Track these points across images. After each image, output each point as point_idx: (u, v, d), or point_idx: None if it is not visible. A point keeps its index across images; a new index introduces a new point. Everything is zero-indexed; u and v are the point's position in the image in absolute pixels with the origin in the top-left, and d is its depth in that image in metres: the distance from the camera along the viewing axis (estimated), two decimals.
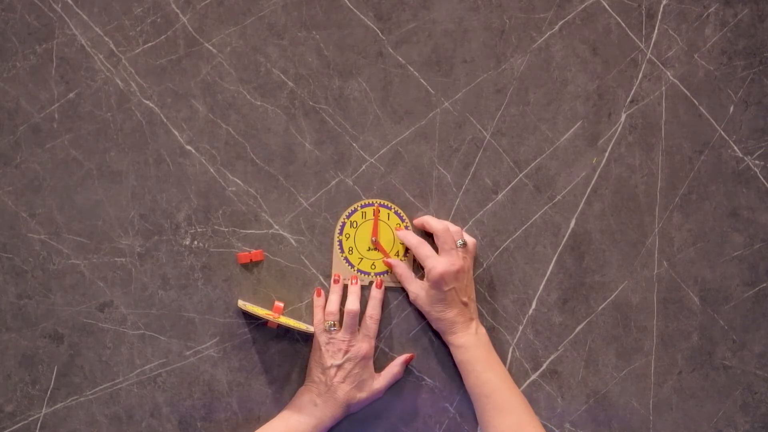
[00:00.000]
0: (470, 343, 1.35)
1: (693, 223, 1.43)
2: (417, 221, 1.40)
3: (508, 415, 1.30)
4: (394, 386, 1.40)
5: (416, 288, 1.38)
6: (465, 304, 1.36)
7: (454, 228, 1.38)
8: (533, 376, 1.42)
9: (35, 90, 1.37)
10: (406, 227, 1.41)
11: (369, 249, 1.41)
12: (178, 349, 1.38)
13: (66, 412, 1.37)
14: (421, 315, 1.40)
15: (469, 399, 1.38)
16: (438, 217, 1.41)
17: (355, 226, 1.40)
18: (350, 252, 1.40)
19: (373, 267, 1.41)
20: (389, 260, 1.40)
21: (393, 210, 1.41)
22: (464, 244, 1.36)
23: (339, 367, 1.34)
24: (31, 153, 1.37)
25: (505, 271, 1.42)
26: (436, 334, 1.40)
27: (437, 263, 1.35)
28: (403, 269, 1.39)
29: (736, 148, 1.43)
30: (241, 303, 1.37)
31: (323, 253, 1.40)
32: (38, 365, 1.37)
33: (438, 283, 1.35)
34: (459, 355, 1.36)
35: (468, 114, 1.41)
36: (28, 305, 1.37)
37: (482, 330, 1.37)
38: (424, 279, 1.37)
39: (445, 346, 1.40)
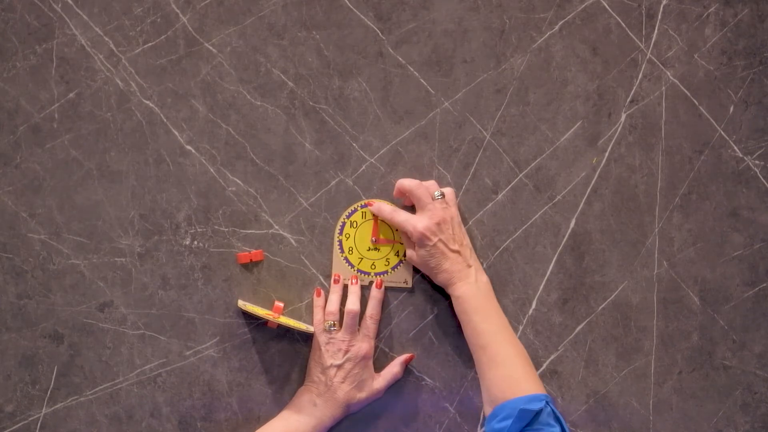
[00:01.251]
0: (468, 293, 1.34)
1: (693, 223, 1.43)
2: (395, 190, 1.39)
3: (501, 367, 1.29)
4: (394, 386, 1.40)
5: (409, 252, 1.38)
6: (457, 252, 1.35)
7: (428, 183, 1.37)
8: None
9: (35, 90, 1.37)
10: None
11: (369, 249, 1.41)
12: (178, 349, 1.38)
13: (66, 412, 1.37)
14: (421, 315, 1.40)
15: (469, 398, 1.38)
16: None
17: (355, 226, 1.40)
18: (350, 252, 1.40)
19: (373, 267, 1.41)
20: (371, 202, 1.39)
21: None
22: (442, 195, 1.36)
23: (339, 367, 1.34)
24: (31, 153, 1.37)
25: (505, 271, 1.42)
26: (436, 334, 1.40)
27: (416, 222, 1.35)
28: (388, 211, 1.38)
29: (736, 148, 1.43)
30: (241, 303, 1.37)
31: (323, 253, 1.40)
32: (38, 365, 1.37)
33: (422, 241, 1.35)
34: (457, 306, 1.35)
35: (468, 114, 1.41)
36: (28, 305, 1.37)
37: (483, 277, 1.36)
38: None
39: (445, 346, 1.40)
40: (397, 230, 1.41)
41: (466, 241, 1.37)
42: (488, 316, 1.33)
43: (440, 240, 1.34)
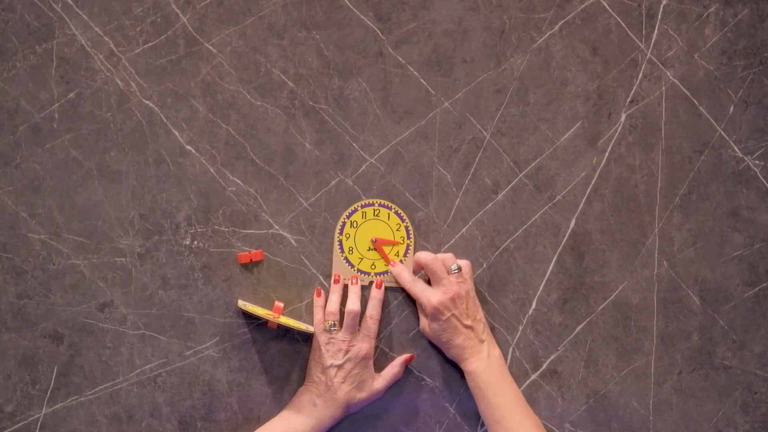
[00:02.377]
0: (480, 369, 1.35)
1: (693, 223, 1.43)
2: (413, 264, 1.40)
3: None
4: (394, 386, 1.40)
5: (422, 322, 1.39)
6: (470, 328, 1.36)
7: (445, 256, 1.38)
8: (533, 376, 1.42)
9: (35, 90, 1.37)
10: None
11: (369, 249, 1.41)
12: (178, 349, 1.38)
13: (66, 412, 1.37)
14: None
15: (469, 398, 1.38)
16: (438, 217, 1.41)
17: (355, 226, 1.40)
18: (350, 252, 1.40)
19: (373, 267, 1.41)
20: (395, 268, 1.40)
21: (393, 210, 1.41)
22: (458, 269, 1.36)
23: (339, 367, 1.34)
24: (31, 153, 1.37)
25: (505, 271, 1.42)
26: None
27: (431, 295, 1.36)
28: (408, 279, 1.39)
29: (736, 148, 1.43)
30: (241, 303, 1.37)
31: (323, 253, 1.40)
32: (38, 365, 1.37)
33: (435, 315, 1.35)
34: (470, 381, 1.36)
35: (468, 114, 1.41)
36: (28, 305, 1.37)
37: (496, 352, 1.37)
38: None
39: None
40: (397, 231, 1.41)
41: (480, 315, 1.37)
42: (502, 390, 1.34)
43: (453, 315, 1.35)
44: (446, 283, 1.36)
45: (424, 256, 1.38)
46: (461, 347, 1.36)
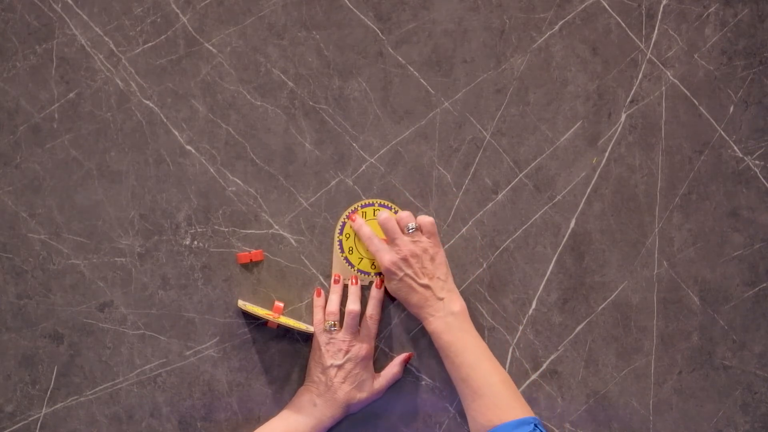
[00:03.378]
0: (439, 329, 1.33)
1: (693, 223, 1.43)
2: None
3: (484, 396, 1.28)
4: (394, 386, 1.40)
5: (385, 281, 1.38)
6: (426, 287, 1.34)
7: (402, 214, 1.37)
8: (533, 376, 1.42)
9: (35, 90, 1.37)
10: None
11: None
12: (178, 349, 1.38)
13: (66, 412, 1.37)
14: None
15: None
16: (438, 217, 1.41)
17: None
18: (350, 252, 1.40)
19: (373, 267, 1.41)
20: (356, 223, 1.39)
21: (393, 210, 1.41)
22: (414, 228, 1.36)
23: (339, 367, 1.34)
24: (31, 153, 1.37)
25: (505, 271, 1.42)
26: None
27: (384, 255, 1.35)
28: (366, 235, 1.38)
29: (736, 148, 1.43)
30: (241, 303, 1.37)
31: (323, 253, 1.40)
32: (38, 365, 1.37)
33: (388, 275, 1.35)
34: (434, 342, 1.35)
35: (468, 114, 1.41)
36: (28, 305, 1.37)
37: (456, 307, 1.34)
38: None
39: None
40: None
41: (439, 273, 1.35)
42: (464, 348, 1.32)
43: (406, 275, 1.34)
44: (399, 242, 1.35)
45: (380, 214, 1.37)
46: (417, 306, 1.35)
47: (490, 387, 1.28)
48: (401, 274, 1.34)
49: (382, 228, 1.37)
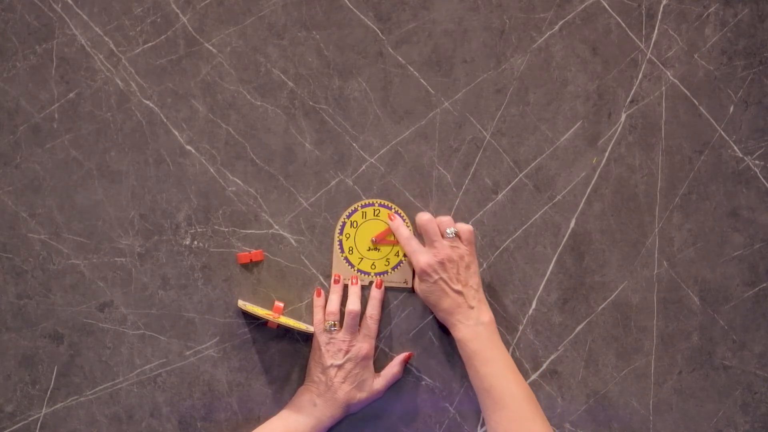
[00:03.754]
0: (467, 336, 1.33)
1: (693, 223, 1.43)
2: (417, 225, 1.40)
3: (506, 409, 1.28)
4: (394, 386, 1.40)
5: (415, 282, 1.38)
6: (459, 293, 1.34)
7: (443, 218, 1.37)
8: (533, 376, 1.42)
9: (35, 90, 1.37)
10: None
11: (369, 249, 1.41)
12: (178, 349, 1.38)
13: (66, 412, 1.37)
14: (421, 315, 1.40)
15: (469, 398, 1.38)
16: (438, 216, 1.41)
17: (355, 226, 1.40)
18: (350, 252, 1.40)
19: (373, 267, 1.41)
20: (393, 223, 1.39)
21: (393, 210, 1.41)
22: (455, 234, 1.36)
23: (339, 367, 1.34)
24: (31, 153, 1.37)
25: (505, 271, 1.42)
26: (436, 334, 1.41)
27: (420, 256, 1.35)
28: (405, 236, 1.38)
29: (736, 148, 1.43)
30: (241, 303, 1.37)
31: (323, 253, 1.40)
32: (38, 365, 1.37)
33: (422, 276, 1.35)
34: (460, 349, 1.35)
35: (468, 114, 1.41)
36: (28, 305, 1.37)
37: (486, 317, 1.34)
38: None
39: (444, 346, 1.40)
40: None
41: (473, 282, 1.36)
42: (490, 358, 1.32)
43: (441, 278, 1.34)
44: (438, 245, 1.35)
45: (421, 216, 1.37)
46: (448, 311, 1.35)
47: (513, 399, 1.28)
48: (436, 276, 1.34)
49: (422, 230, 1.37)
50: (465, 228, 1.37)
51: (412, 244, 1.37)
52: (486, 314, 1.35)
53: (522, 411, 1.28)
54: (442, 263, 1.34)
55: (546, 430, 1.26)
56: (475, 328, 1.34)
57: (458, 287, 1.34)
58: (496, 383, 1.30)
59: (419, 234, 1.39)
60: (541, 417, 1.29)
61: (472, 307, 1.35)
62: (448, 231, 1.36)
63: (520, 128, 1.42)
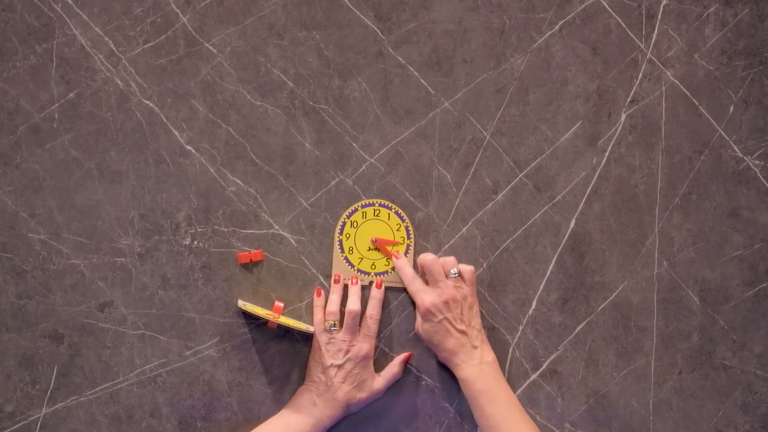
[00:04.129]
0: (472, 376, 1.34)
1: (693, 223, 1.43)
2: (419, 267, 1.39)
3: None
4: (394, 386, 1.40)
5: (418, 321, 1.38)
6: (463, 333, 1.35)
7: (447, 259, 1.37)
8: (533, 376, 1.42)
9: (35, 90, 1.37)
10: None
11: (369, 249, 1.41)
12: (178, 349, 1.38)
13: (66, 412, 1.37)
14: None
15: None
16: (438, 217, 1.41)
17: (355, 225, 1.40)
18: (350, 252, 1.40)
19: (373, 267, 1.41)
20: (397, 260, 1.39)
21: (393, 210, 1.41)
22: (458, 273, 1.36)
23: (339, 367, 1.34)
24: (31, 153, 1.37)
25: (505, 271, 1.42)
26: None
27: (425, 296, 1.35)
28: (409, 276, 1.39)
29: (736, 148, 1.43)
30: (241, 303, 1.37)
31: (323, 253, 1.40)
32: (38, 365, 1.37)
33: (427, 316, 1.35)
34: (463, 388, 1.35)
35: (468, 114, 1.41)
36: (28, 305, 1.37)
37: (489, 357, 1.36)
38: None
39: None
40: (397, 231, 1.41)
41: (475, 322, 1.36)
42: (495, 398, 1.32)
43: (445, 318, 1.34)
44: (442, 285, 1.36)
45: (425, 257, 1.38)
46: (452, 352, 1.35)
47: None
48: (440, 317, 1.35)
49: (426, 270, 1.37)
50: (467, 269, 1.38)
51: (416, 284, 1.37)
52: (489, 354, 1.36)
53: None
54: (446, 303, 1.35)
55: None
56: (480, 367, 1.34)
57: (462, 327, 1.35)
58: (502, 423, 1.31)
59: (422, 273, 1.39)
60: None
61: (475, 347, 1.35)
62: (452, 271, 1.36)
63: (520, 128, 1.42)
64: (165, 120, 1.38)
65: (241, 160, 1.39)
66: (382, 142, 1.41)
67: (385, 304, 1.40)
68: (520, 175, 1.42)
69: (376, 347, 1.40)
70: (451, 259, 1.38)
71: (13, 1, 1.36)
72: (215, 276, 1.39)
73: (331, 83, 1.40)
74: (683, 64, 1.43)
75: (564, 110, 1.42)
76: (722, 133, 1.43)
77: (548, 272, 1.42)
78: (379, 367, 1.39)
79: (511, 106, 1.42)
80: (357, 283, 1.39)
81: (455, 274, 1.36)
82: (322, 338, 1.36)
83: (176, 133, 1.38)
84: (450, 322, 1.35)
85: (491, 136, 1.42)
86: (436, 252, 1.40)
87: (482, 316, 1.41)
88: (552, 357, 1.42)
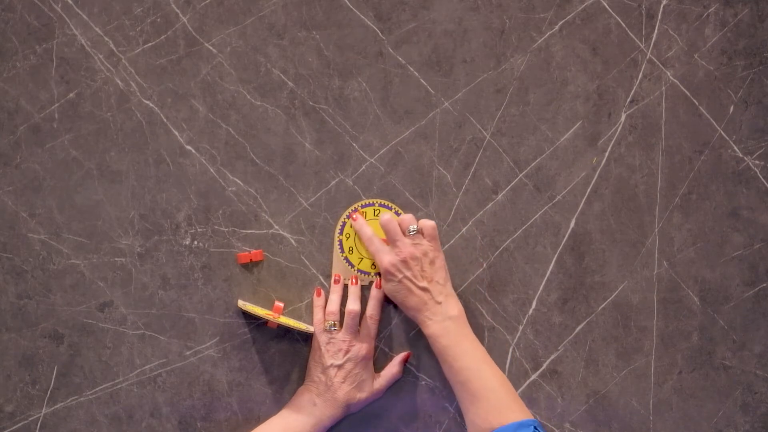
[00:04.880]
0: (437, 332, 1.33)
1: (693, 223, 1.43)
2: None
3: (483, 400, 1.28)
4: (394, 386, 1.40)
5: (382, 282, 1.38)
6: (425, 290, 1.34)
7: (404, 216, 1.37)
8: (533, 376, 1.42)
9: (35, 90, 1.37)
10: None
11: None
12: (178, 349, 1.38)
13: (66, 412, 1.37)
14: None
15: None
16: (438, 217, 1.41)
17: None
18: (350, 252, 1.40)
19: (373, 267, 1.41)
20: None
21: (393, 210, 1.41)
22: (416, 231, 1.35)
23: (339, 367, 1.34)
24: (31, 153, 1.37)
25: (505, 271, 1.42)
26: None
27: (383, 256, 1.35)
28: (367, 235, 1.38)
29: (736, 148, 1.43)
30: (241, 303, 1.37)
31: (323, 253, 1.40)
32: (38, 365, 1.37)
33: (387, 276, 1.35)
34: (431, 345, 1.34)
35: (468, 114, 1.41)
36: (28, 305, 1.37)
37: (454, 311, 1.34)
38: None
39: None
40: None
41: (439, 277, 1.35)
42: (462, 352, 1.31)
43: (405, 277, 1.34)
44: (400, 244, 1.35)
45: (382, 216, 1.37)
46: (416, 309, 1.34)
47: (489, 390, 1.28)
48: (400, 276, 1.34)
49: (384, 229, 1.37)
50: (427, 224, 1.36)
51: (374, 243, 1.37)
52: (454, 307, 1.35)
53: (499, 401, 1.28)
54: (404, 261, 1.34)
55: (523, 415, 1.26)
56: (443, 323, 1.33)
57: (423, 284, 1.34)
58: (470, 376, 1.29)
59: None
60: (519, 404, 1.28)
61: (439, 303, 1.34)
62: (410, 228, 1.35)
63: (520, 128, 1.42)
64: (165, 120, 1.38)
65: (241, 160, 1.39)
66: (382, 142, 1.41)
67: (385, 304, 1.40)
68: (520, 175, 1.42)
69: (376, 347, 1.40)
70: (409, 216, 1.37)
71: (13, 1, 1.36)
72: (215, 276, 1.39)
73: (331, 83, 1.40)
74: (683, 64, 1.43)
75: (564, 110, 1.42)
76: (722, 133, 1.43)
77: (548, 272, 1.42)
78: (378, 367, 1.39)
79: (511, 106, 1.42)
80: (357, 283, 1.39)
81: (413, 230, 1.35)
82: (322, 338, 1.36)
83: (176, 133, 1.38)
84: (410, 280, 1.34)
85: (491, 136, 1.42)
86: None
87: (482, 316, 1.41)
88: (552, 357, 1.42)
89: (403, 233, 1.36)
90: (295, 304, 1.40)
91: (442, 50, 1.41)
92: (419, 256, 1.34)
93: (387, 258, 1.35)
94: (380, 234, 1.39)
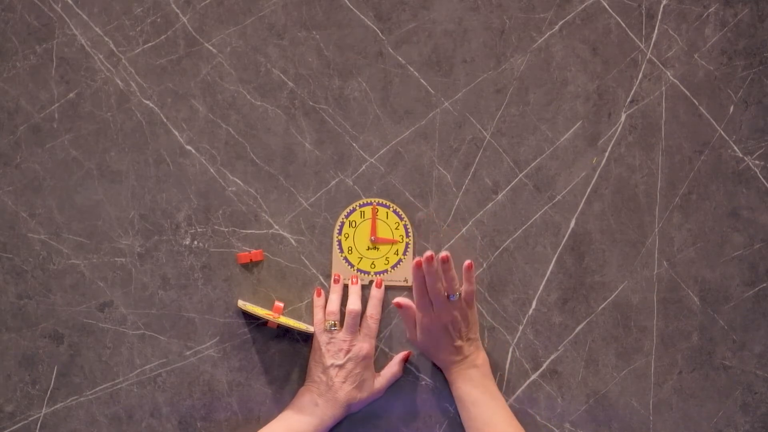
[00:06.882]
0: (460, 379, 1.35)
1: (693, 223, 1.43)
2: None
3: None
4: (394, 386, 1.40)
5: (410, 333, 1.37)
6: (458, 348, 1.35)
7: (448, 279, 1.34)
8: (533, 376, 1.42)
9: (35, 90, 1.37)
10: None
11: (368, 248, 1.41)
12: (178, 349, 1.38)
13: (66, 412, 1.37)
14: None
15: None
16: (438, 217, 1.41)
17: (353, 225, 1.40)
18: (350, 252, 1.40)
19: (372, 266, 1.41)
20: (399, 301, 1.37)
21: (392, 209, 1.41)
22: (459, 296, 1.34)
23: (340, 367, 1.34)
24: (31, 153, 1.37)
25: (505, 271, 1.42)
26: None
27: (424, 320, 1.34)
28: (408, 314, 1.37)
29: (736, 148, 1.43)
30: (241, 303, 1.37)
31: (323, 253, 1.40)
32: (38, 365, 1.37)
33: (426, 336, 1.35)
34: (451, 389, 1.37)
35: (468, 114, 1.41)
36: (28, 305, 1.37)
37: (479, 360, 1.36)
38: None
39: None
40: (396, 230, 1.41)
41: (473, 334, 1.36)
42: (481, 400, 1.34)
43: (443, 337, 1.35)
44: (442, 310, 1.34)
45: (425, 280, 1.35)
46: (445, 362, 1.36)
47: None
48: (438, 338, 1.35)
49: (429, 292, 1.34)
50: (468, 290, 1.35)
51: (416, 313, 1.36)
52: (479, 357, 1.37)
53: None
54: (445, 326, 1.34)
55: None
56: (468, 371, 1.35)
57: (459, 343, 1.35)
58: (489, 422, 1.32)
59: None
60: None
61: (467, 356, 1.36)
62: (452, 297, 1.34)
63: (520, 128, 1.42)
64: (165, 120, 1.38)
65: (241, 160, 1.39)
66: (382, 142, 1.41)
67: (385, 304, 1.40)
68: (520, 175, 1.42)
69: (376, 347, 1.40)
70: (451, 277, 1.34)
71: (13, 1, 1.36)
72: (215, 276, 1.39)
73: (331, 83, 1.40)
74: (683, 64, 1.43)
75: (564, 110, 1.42)
76: (722, 133, 1.43)
77: (548, 272, 1.42)
78: (378, 366, 1.39)
79: (511, 106, 1.42)
80: (357, 282, 1.39)
81: (456, 297, 1.35)
82: (322, 338, 1.36)
83: (176, 133, 1.38)
84: (449, 339, 1.35)
85: (491, 136, 1.42)
86: (435, 251, 1.40)
87: (482, 316, 1.41)
88: (552, 357, 1.42)
89: (447, 297, 1.35)
90: (295, 304, 1.40)
91: (442, 50, 1.41)
92: (459, 319, 1.35)
93: (429, 322, 1.34)
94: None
